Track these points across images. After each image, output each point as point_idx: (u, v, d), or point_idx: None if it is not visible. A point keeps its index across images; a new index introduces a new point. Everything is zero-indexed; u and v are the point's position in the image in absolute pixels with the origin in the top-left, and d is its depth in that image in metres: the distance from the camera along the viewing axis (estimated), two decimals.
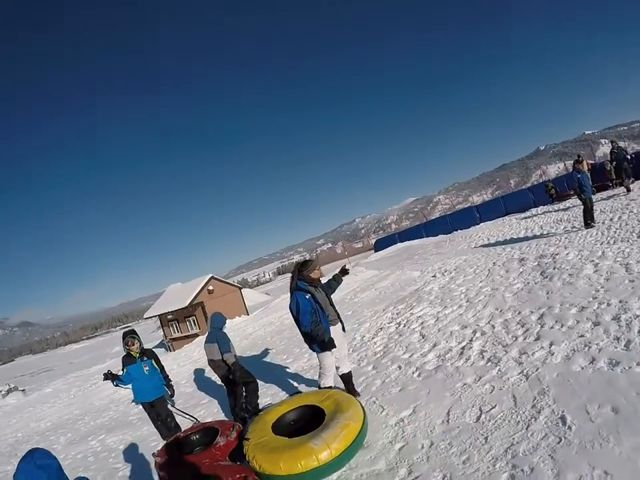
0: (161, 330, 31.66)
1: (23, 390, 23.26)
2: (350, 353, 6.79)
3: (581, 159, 19.25)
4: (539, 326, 5.23)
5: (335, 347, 4.87)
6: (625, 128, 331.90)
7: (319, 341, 4.69)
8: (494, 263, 10.04)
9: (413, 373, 5.29)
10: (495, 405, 3.78)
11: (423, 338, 6.47)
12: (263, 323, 16.51)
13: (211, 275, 28.80)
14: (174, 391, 6.38)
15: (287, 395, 6.13)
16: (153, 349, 6.56)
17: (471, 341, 5.60)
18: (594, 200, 12.03)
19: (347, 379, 5.15)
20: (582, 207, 11.51)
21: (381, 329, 8.03)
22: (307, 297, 4.81)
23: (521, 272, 8.25)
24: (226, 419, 6.12)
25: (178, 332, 28.65)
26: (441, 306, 7.82)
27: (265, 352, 10.30)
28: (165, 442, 5.44)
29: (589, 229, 10.78)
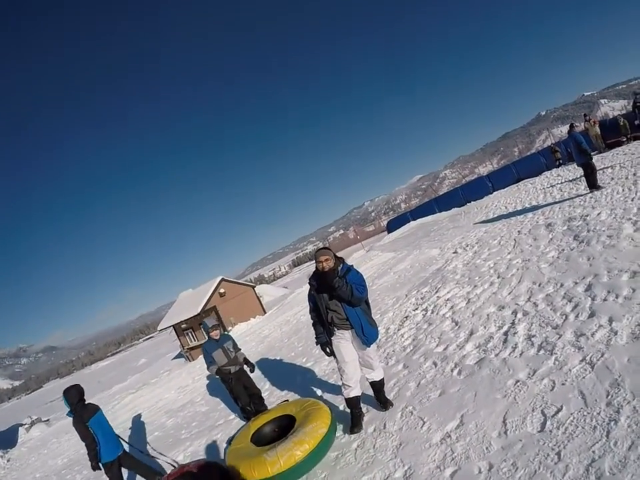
0: (178, 340, 31.33)
1: (47, 420, 23.10)
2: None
3: (588, 117, 18.73)
4: (590, 299, 4.57)
5: (330, 356, 4.44)
6: (624, 86, 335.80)
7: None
8: (518, 231, 9.42)
9: (451, 370, 4.64)
10: (561, 407, 3.13)
11: (456, 325, 5.84)
12: (278, 323, 16.02)
13: (221, 277, 28.32)
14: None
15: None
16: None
17: (513, 324, 4.95)
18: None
19: (376, 387, 4.59)
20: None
21: (406, 317, 7.45)
22: (312, 291, 4.42)
23: (551, 238, 7.62)
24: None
25: (194, 340, 28.25)
26: (470, 285, 7.20)
27: (283, 356, 9.83)
28: None
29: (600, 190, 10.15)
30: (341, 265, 4.32)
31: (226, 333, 7.17)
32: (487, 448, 3.13)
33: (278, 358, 9.88)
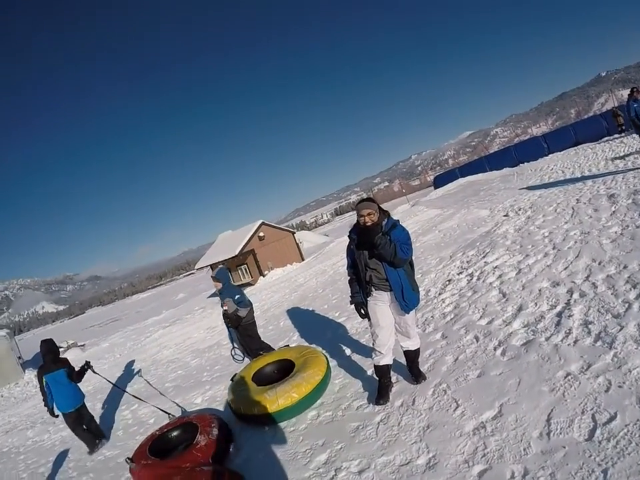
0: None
1: (82, 345, 24.21)
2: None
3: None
4: None
5: (365, 317, 4.14)
6: None
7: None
8: (577, 199, 8.71)
9: (494, 349, 4.24)
10: (615, 414, 2.74)
11: (504, 297, 5.41)
12: (315, 272, 15.90)
13: (261, 221, 28.36)
14: None
15: (336, 362, 5.69)
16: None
17: (568, 304, 4.47)
18: None
19: (410, 357, 4.29)
20: None
21: (449, 281, 7.07)
22: (351, 245, 4.09)
23: (614, 211, 6.96)
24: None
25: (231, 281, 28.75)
26: (521, 254, 6.69)
27: (316, 307, 9.65)
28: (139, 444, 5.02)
29: None
30: (386, 220, 3.94)
31: (232, 285, 7.18)
32: (524, 449, 2.81)
33: (310, 309, 9.76)
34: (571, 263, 5.51)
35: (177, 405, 6.72)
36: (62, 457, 6.61)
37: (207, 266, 29.45)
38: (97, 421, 6.93)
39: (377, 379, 4.29)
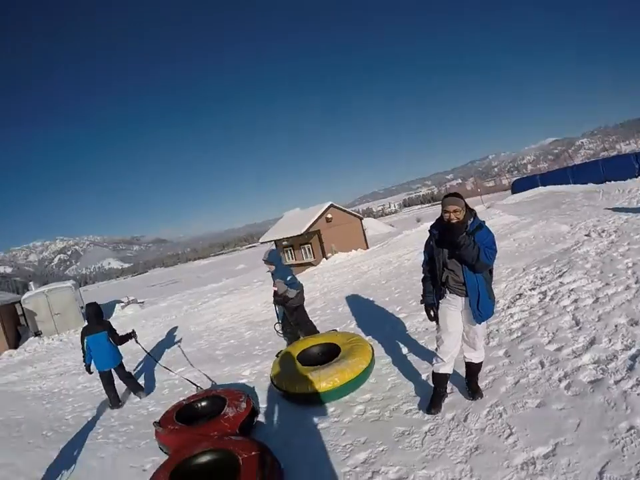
0: None
1: (142, 302, 25.38)
2: None
3: None
4: None
5: (433, 320, 4.04)
6: None
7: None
8: None
9: (559, 379, 4.03)
10: None
11: (577, 325, 5.11)
12: (379, 262, 15.71)
13: (330, 203, 28.39)
14: None
15: (390, 359, 5.71)
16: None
17: None
18: None
19: (471, 369, 4.17)
20: None
21: (519, 295, 6.80)
22: (430, 241, 3.94)
23: None
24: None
25: (292, 259, 29.22)
26: (601, 281, 6.26)
27: (377, 298, 9.58)
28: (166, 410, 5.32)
29: None
30: (472, 219, 3.72)
31: (284, 267, 7.41)
32: None
33: (371, 299, 9.70)
34: None
35: (208, 377, 6.99)
36: (107, 405, 7.01)
37: (271, 241, 29.87)
38: (145, 379, 7.66)
39: (432, 386, 4.21)
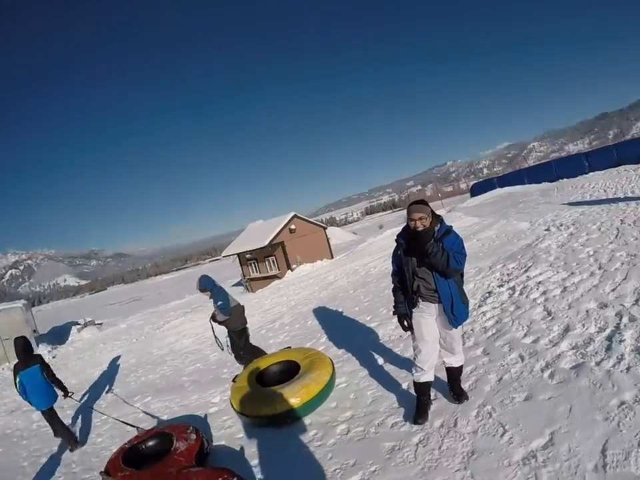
0: (240, 269, 31.86)
1: (100, 324, 24.50)
2: None
3: None
4: None
5: (408, 330, 3.95)
6: None
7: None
8: (621, 220, 8.53)
9: (542, 370, 4.09)
10: None
11: (549, 315, 5.24)
12: (346, 271, 15.75)
13: (293, 213, 28.38)
14: None
15: (367, 371, 5.56)
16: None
17: (617, 328, 4.33)
18: None
19: (453, 374, 4.14)
20: None
21: (489, 293, 6.92)
22: (398, 251, 3.87)
23: None
24: None
25: (257, 272, 28.89)
26: (566, 271, 6.50)
27: (347, 309, 9.51)
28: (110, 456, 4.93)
29: None
30: (439, 225, 3.69)
31: (219, 291, 7.24)
32: None
33: (340, 310, 9.61)
34: (619, 284, 5.37)
35: (151, 415, 6.66)
36: (66, 447, 6.35)
37: (234, 254, 29.57)
38: (112, 412, 7.05)
39: (416, 395, 4.12)
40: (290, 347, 6.83)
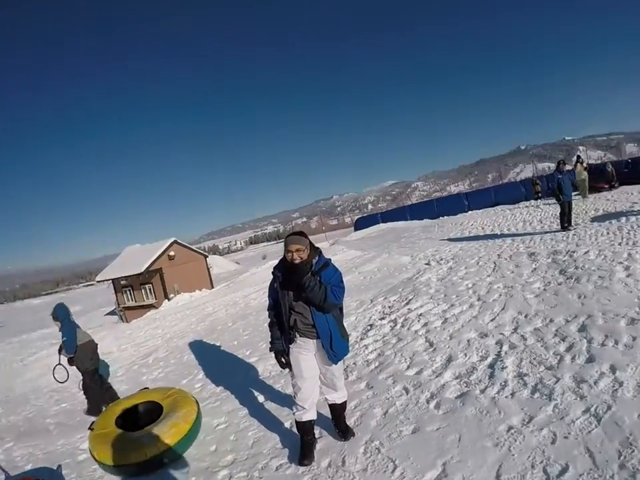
0: (114, 296, 29.98)
1: None
2: None
3: (581, 159, 19.53)
4: (586, 341, 4.28)
5: (286, 368, 3.70)
6: (604, 138, 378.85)
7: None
8: (498, 255, 9.23)
9: (427, 401, 4.03)
10: (567, 465, 2.71)
11: (431, 346, 5.30)
12: (225, 302, 15.21)
13: (173, 239, 27.48)
14: None
15: (247, 410, 5.17)
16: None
17: (499, 356, 4.49)
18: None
19: (336, 411, 3.89)
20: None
21: (370, 325, 6.90)
22: (274, 284, 3.63)
23: (535, 268, 7.53)
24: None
25: (132, 300, 27.33)
26: (446, 303, 6.74)
27: (225, 343, 9.05)
28: None
29: (567, 230, 10.92)
30: (317, 258, 3.55)
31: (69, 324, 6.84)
32: None
33: (218, 344, 9.14)
34: (497, 314, 5.66)
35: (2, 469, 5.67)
36: None
37: (108, 279, 27.81)
38: None
39: (299, 434, 3.82)
40: (147, 388, 6.17)
